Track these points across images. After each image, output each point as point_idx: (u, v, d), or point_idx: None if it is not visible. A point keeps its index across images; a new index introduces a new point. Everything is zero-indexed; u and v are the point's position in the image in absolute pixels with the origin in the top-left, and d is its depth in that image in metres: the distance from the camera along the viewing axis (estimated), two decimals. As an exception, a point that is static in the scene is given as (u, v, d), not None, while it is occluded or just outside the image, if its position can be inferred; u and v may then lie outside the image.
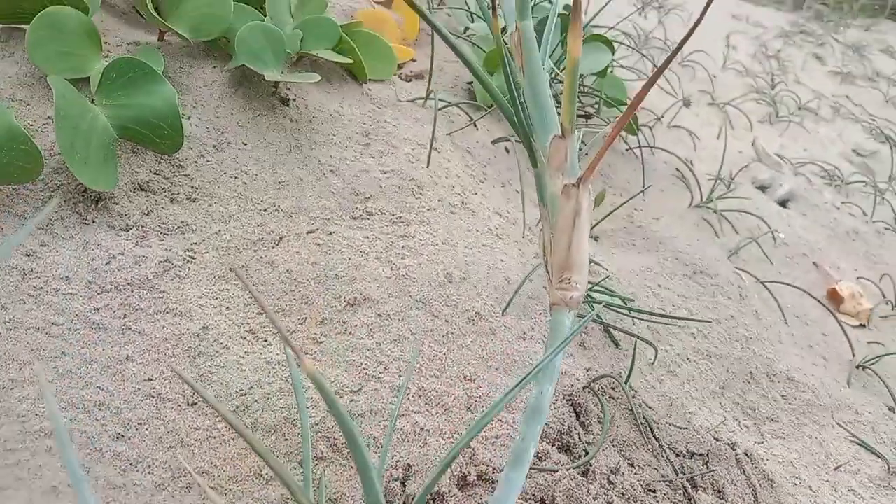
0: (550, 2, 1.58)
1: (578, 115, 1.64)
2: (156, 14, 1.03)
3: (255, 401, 0.73)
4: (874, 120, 3.02)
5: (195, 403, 0.72)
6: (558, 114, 0.65)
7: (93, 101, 0.91)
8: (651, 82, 0.53)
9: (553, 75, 1.50)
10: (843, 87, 3.28)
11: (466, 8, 1.62)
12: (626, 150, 1.69)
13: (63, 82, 0.86)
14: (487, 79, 0.67)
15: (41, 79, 0.95)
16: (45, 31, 0.93)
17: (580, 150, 1.54)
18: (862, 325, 1.53)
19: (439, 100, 1.27)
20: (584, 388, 0.91)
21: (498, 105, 0.70)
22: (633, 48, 1.69)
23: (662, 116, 1.94)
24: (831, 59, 3.57)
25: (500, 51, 0.71)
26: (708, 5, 0.51)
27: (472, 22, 1.60)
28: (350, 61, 1.16)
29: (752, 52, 3.26)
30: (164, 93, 0.90)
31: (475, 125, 1.32)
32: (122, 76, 0.91)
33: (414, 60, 1.44)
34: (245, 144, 1.02)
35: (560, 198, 0.65)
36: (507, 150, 1.36)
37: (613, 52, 1.58)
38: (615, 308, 1.03)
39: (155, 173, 0.93)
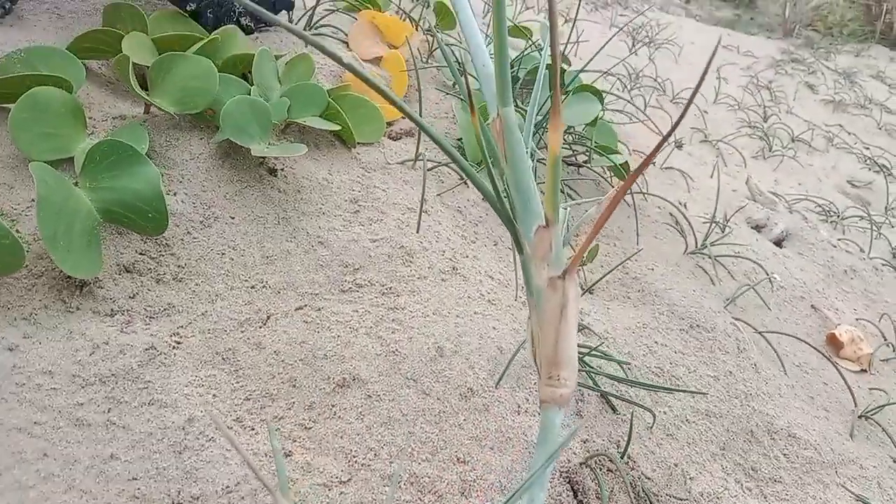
0: (539, 52, 1.59)
1: (570, 164, 1.63)
2: (140, 90, 1.02)
3: (242, 498, 0.72)
4: (868, 149, 3.02)
5: (181, 503, 0.70)
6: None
7: (76, 184, 0.90)
8: (653, 153, 0.52)
9: (539, 131, 1.50)
10: (835, 116, 3.29)
11: (456, 62, 1.62)
12: (620, 196, 1.68)
13: (45, 168, 0.85)
14: (473, 171, 0.67)
15: (25, 159, 0.94)
16: (29, 113, 0.93)
17: (575, 201, 1.53)
18: (863, 371, 1.51)
19: (428, 160, 1.26)
20: (581, 464, 0.89)
21: (482, 192, 0.69)
22: (622, 97, 1.69)
23: (654, 159, 1.94)
24: (823, 88, 3.58)
25: (479, 139, 0.70)
26: (711, 60, 0.50)
27: (462, 76, 1.60)
28: (338, 127, 1.15)
29: (743, 84, 3.27)
30: (148, 174, 0.90)
31: (466, 183, 1.31)
32: (106, 158, 0.90)
33: (403, 118, 1.44)
34: (232, 218, 1.01)
35: (546, 290, 0.64)
36: (499, 206, 1.36)
37: (602, 101, 1.58)
38: (613, 378, 1.02)
39: (140, 254, 0.93)
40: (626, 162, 1.58)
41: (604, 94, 1.62)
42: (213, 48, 1.16)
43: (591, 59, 1.48)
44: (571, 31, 1.58)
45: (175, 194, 1.00)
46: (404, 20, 1.68)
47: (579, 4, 1.50)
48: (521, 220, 0.74)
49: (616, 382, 1.06)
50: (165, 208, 0.89)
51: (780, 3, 5.20)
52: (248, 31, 1.36)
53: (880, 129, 3.31)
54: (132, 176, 0.90)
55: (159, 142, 1.05)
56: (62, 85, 0.99)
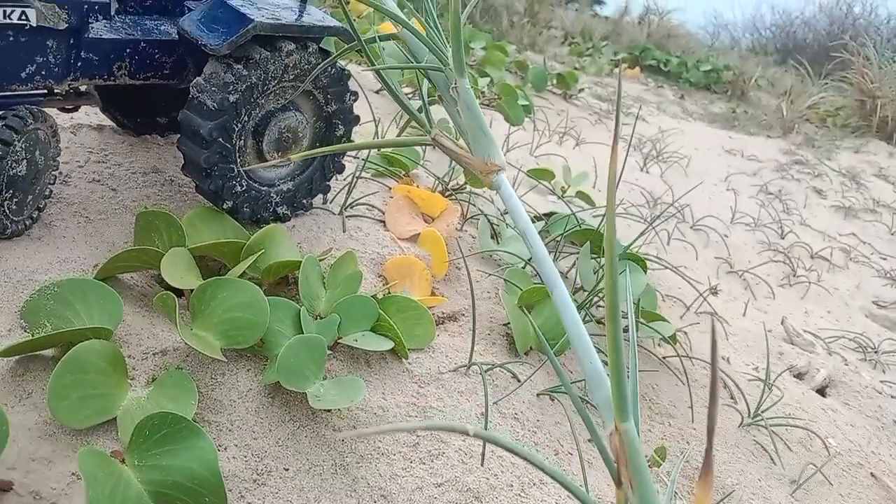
0: (561, 198, 1.54)
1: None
2: (187, 332, 0.95)
3: None
4: (885, 259, 3.00)
5: None
6: None
7: (123, 461, 0.82)
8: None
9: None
10: (847, 223, 3.28)
11: (490, 226, 1.57)
12: (664, 357, 1.61)
13: (93, 458, 0.76)
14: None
15: (63, 426, 0.85)
16: (69, 378, 0.85)
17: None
18: (938, 554, 1.42)
19: (481, 364, 1.19)
20: None
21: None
22: (661, 261, 1.63)
23: (690, 307, 1.88)
24: (831, 192, 3.58)
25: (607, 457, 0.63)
26: None
27: (498, 243, 1.54)
28: (391, 345, 1.08)
29: (753, 193, 3.26)
30: (204, 450, 0.81)
31: (518, 380, 1.24)
32: (157, 432, 0.82)
33: (446, 300, 1.37)
34: (286, 470, 0.92)
35: None
36: (552, 399, 1.28)
37: (646, 270, 1.52)
38: None
39: (192, 530, 0.83)
40: (674, 333, 1.52)
41: (645, 259, 1.57)
42: (257, 262, 1.10)
43: (633, 241, 1.43)
44: (610, 189, 1.53)
45: (225, 449, 0.91)
46: (436, 188, 1.63)
47: (618, 156, 1.46)
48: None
49: None
50: (224, 491, 0.80)
51: (774, 93, 5.29)
52: (284, 218, 1.30)
53: (893, 234, 3.29)
54: (186, 452, 0.81)
55: (204, 380, 0.97)
56: (101, 334, 0.91)
